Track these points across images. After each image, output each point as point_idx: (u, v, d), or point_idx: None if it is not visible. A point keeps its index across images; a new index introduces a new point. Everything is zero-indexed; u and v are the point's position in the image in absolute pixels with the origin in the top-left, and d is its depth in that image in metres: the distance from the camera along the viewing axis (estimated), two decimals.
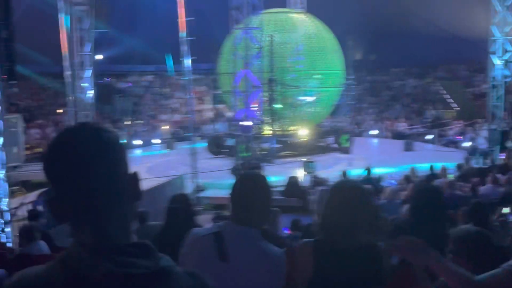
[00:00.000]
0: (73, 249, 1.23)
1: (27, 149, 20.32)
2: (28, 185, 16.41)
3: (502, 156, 15.91)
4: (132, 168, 1.32)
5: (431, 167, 13.33)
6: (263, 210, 2.66)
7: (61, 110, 26.75)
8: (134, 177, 1.32)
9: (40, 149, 21.14)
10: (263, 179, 2.72)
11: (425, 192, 4.39)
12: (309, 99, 19.49)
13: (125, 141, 22.64)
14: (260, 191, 2.65)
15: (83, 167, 1.22)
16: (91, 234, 1.24)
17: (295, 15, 19.75)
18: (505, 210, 6.75)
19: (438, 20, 19.02)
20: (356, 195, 2.94)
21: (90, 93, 18.01)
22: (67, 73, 19.32)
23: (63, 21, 18.56)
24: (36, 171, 16.34)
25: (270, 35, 17.76)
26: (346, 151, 19.94)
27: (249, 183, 2.67)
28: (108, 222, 1.25)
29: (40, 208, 9.86)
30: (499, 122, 17.88)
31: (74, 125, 1.30)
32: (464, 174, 12.18)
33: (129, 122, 26.19)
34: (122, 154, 1.30)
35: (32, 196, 12.97)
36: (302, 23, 19.50)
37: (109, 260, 1.19)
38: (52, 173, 1.25)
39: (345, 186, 3.09)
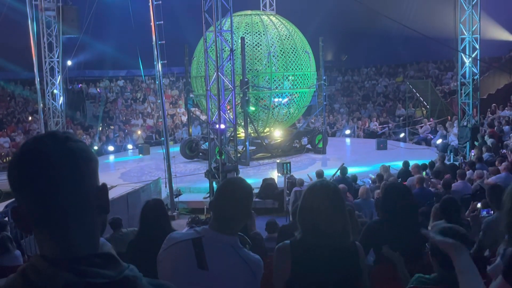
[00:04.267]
0: (34, 261, 1.21)
1: None
2: None
3: (473, 152, 16.18)
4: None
5: (405, 164, 13.42)
6: (244, 217, 2.63)
7: (31, 118, 26.32)
8: (102, 189, 1.29)
9: (10, 158, 20.74)
10: (246, 186, 2.67)
11: (392, 191, 4.42)
12: (282, 100, 19.54)
13: (96, 147, 22.33)
14: (243, 199, 2.60)
15: (45, 177, 1.19)
16: (53, 245, 1.21)
17: (265, 17, 19.79)
18: (478, 205, 6.87)
19: (406, 20, 19.28)
20: (331, 194, 2.94)
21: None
22: (38, 79, 19.02)
23: (31, 27, 18.28)
24: (6, 181, 16.00)
25: (241, 37, 17.77)
26: (320, 151, 20.07)
27: (232, 190, 2.61)
28: (71, 233, 1.22)
29: (6, 218, 9.62)
30: (469, 119, 18.21)
31: (41, 134, 1.27)
32: (437, 171, 12.34)
33: (100, 128, 25.84)
34: (89, 165, 1.26)
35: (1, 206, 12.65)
36: (273, 24, 19.55)
37: (70, 271, 1.16)
38: (14, 182, 1.23)
39: (320, 186, 3.09)
